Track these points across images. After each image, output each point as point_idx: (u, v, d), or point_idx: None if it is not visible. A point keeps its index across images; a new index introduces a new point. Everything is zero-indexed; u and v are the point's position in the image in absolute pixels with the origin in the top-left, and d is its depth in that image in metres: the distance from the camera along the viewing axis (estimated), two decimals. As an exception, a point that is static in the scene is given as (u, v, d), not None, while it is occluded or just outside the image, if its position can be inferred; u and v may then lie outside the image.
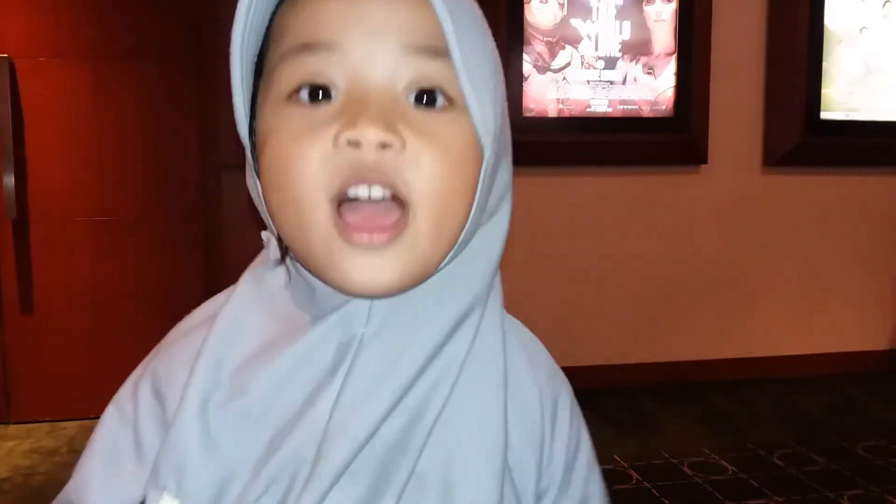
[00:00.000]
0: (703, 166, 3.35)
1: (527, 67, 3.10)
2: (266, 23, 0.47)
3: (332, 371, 0.45)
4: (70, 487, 0.52)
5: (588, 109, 3.18)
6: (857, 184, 3.51)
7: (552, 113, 3.16)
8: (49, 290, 2.91)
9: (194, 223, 2.98)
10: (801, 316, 3.50)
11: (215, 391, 0.46)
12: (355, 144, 0.42)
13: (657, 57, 3.23)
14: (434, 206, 0.44)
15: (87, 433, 2.36)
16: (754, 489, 2.36)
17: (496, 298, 0.50)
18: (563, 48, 3.14)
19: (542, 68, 3.13)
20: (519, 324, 0.55)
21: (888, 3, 3.46)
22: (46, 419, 2.90)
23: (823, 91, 3.41)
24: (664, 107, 3.25)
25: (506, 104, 0.50)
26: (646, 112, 3.24)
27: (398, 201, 0.43)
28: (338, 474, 0.43)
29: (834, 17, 3.38)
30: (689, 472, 2.47)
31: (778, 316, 3.47)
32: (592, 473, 0.55)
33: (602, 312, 3.25)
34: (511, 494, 0.48)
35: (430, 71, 0.44)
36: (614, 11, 3.18)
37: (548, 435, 0.51)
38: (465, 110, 0.45)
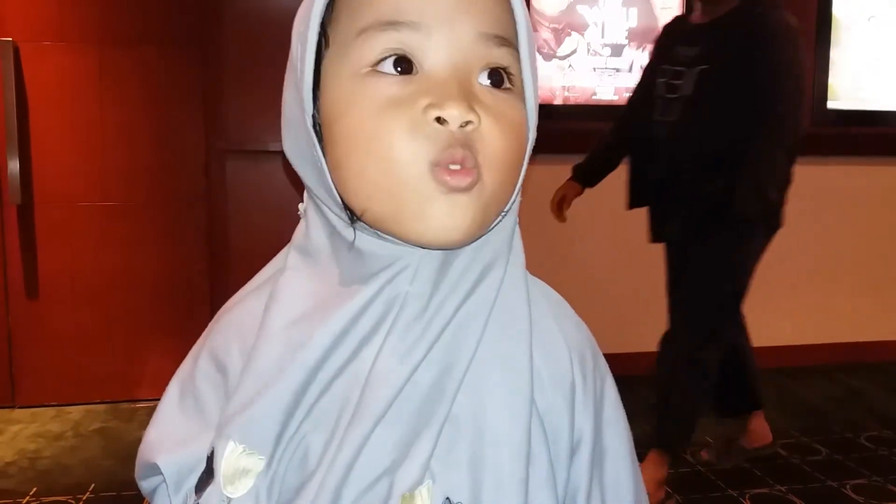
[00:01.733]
0: (709, 155, 3.33)
1: (533, 54, 3.09)
2: None
3: (378, 324, 0.50)
4: (141, 453, 0.57)
5: (594, 97, 3.17)
6: (865, 173, 3.49)
7: (558, 100, 3.14)
8: (54, 274, 2.91)
9: (199, 208, 2.97)
10: (808, 305, 3.49)
11: (277, 350, 0.51)
12: (442, 121, 0.47)
13: (664, 44, 3.21)
14: (498, 171, 0.49)
15: (93, 418, 2.39)
16: (757, 478, 2.37)
17: (517, 257, 0.54)
18: (570, 35, 3.13)
19: (549, 55, 3.11)
20: (544, 284, 0.59)
21: (898, -8, 3.43)
22: (52, 403, 2.91)
23: (831, 80, 3.39)
24: (670, 95, 3.23)
25: None
26: (652, 100, 3.22)
27: (472, 169, 0.48)
28: (380, 415, 0.48)
29: (842, 5, 3.36)
30: (691, 460, 2.47)
31: (784, 305, 3.46)
32: (619, 416, 0.59)
33: (605, 301, 3.25)
34: (540, 436, 0.52)
35: (498, 56, 0.50)
36: (621, -2, 3.16)
37: (578, 381, 0.55)
38: (521, 94, 0.51)
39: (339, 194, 0.50)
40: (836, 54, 3.38)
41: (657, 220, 2.24)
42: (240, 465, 0.49)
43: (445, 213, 0.47)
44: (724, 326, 2.25)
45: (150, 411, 2.73)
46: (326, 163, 0.50)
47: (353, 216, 0.51)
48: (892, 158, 3.51)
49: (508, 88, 0.51)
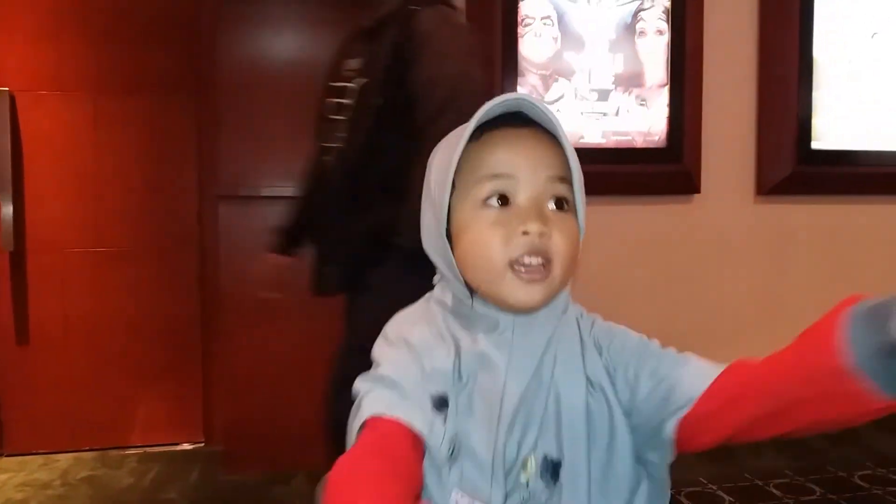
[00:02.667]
0: (697, 196, 3.37)
1: (521, 99, 3.14)
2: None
3: (495, 359, 0.79)
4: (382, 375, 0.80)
5: (581, 140, 3.22)
6: (849, 212, 3.54)
7: (546, 144, 3.19)
8: (45, 321, 2.91)
9: (191, 254, 2.99)
10: (797, 344, 3.50)
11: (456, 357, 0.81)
12: (527, 234, 0.76)
13: (650, 89, 3.28)
14: (562, 264, 0.78)
15: (81, 466, 2.35)
16: (752, 519, 2.35)
17: (572, 308, 0.85)
18: (557, 81, 3.19)
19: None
20: (593, 316, 0.88)
21: (876, 35, 3.52)
22: (40, 451, 2.88)
23: (814, 121, 3.46)
24: (657, 137, 3.29)
25: None
26: (639, 143, 3.28)
27: (546, 262, 0.77)
28: (504, 418, 0.77)
29: (823, 48, 3.44)
30: (685, 501, 2.45)
31: (772, 344, 3.47)
32: (636, 337, 0.88)
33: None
34: (600, 403, 0.80)
35: (560, 189, 0.79)
36: (607, 45, 3.24)
37: (605, 352, 0.83)
38: (574, 211, 0.81)
39: (462, 277, 0.80)
40: (818, 96, 3.45)
41: (315, 269, 1.79)
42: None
43: (525, 293, 0.77)
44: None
45: (140, 458, 2.71)
46: (455, 258, 0.80)
47: (471, 291, 0.81)
48: (875, 197, 3.57)
49: (566, 210, 0.80)
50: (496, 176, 0.78)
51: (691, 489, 2.53)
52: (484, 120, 0.79)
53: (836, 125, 3.50)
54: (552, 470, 0.77)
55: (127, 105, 2.93)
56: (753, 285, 3.46)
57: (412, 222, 1.52)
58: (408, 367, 0.80)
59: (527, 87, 3.15)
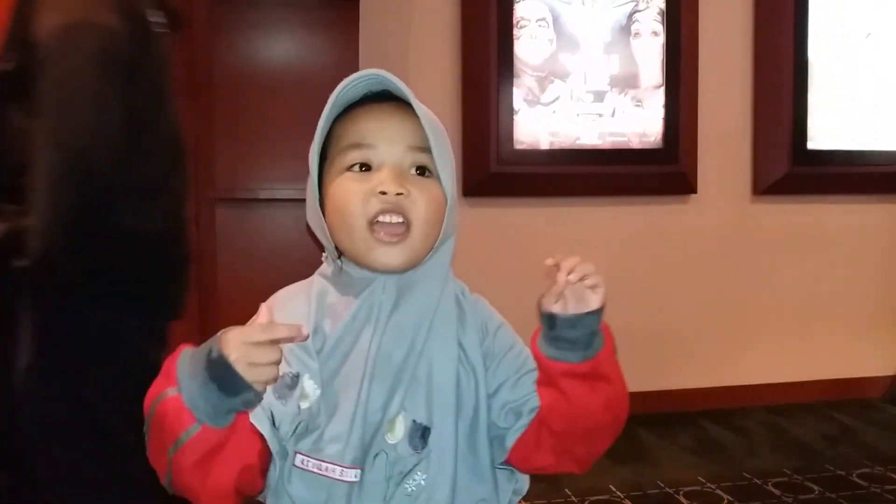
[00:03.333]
0: (693, 196, 3.39)
1: (517, 101, 3.15)
2: (327, 131, 0.86)
3: (367, 319, 0.82)
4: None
5: (577, 141, 3.23)
6: (844, 212, 3.56)
7: (543, 145, 3.20)
8: (42, 325, 2.90)
9: (188, 257, 2.98)
10: (793, 343, 3.51)
11: (315, 336, 0.82)
12: (384, 193, 0.80)
13: (645, 90, 3.29)
14: (422, 225, 0.83)
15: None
16: (750, 518, 2.36)
17: (452, 283, 0.88)
18: (553, 82, 3.20)
19: (533, 102, 3.17)
20: (477, 296, 0.91)
21: (870, 35, 3.53)
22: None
23: (809, 121, 3.47)
24: (653, 138, 3.30)
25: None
26: (635, 144, 3.28)
27: (406, 222, 0.82)
28: (370, 377, 0.79)
29: (818, 49, 3.46)
30: (684, 501, 2.46)
31: (770, 343, 3.48)
32: (518, 346, 0.88)
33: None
34: (469, 378, 0.83)
35: (420, 158, 0.84)
36: (602, 46, 3.25)
37: (489, 340, 0.87)
38: (437, 179, 0.85)
39: (334, 244, 0.85)
40: (812, 97, 3.47)
41: None
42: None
43: (384, 255, 0.82)
44: None
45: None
46: (327, 226, 0.84)
47: (341, 255, 0.86)
48: (870, 196, 3.58)
49: (428, 176, 0.85)
50: (358, 145, 0.83)
51: (690, 488, 2.53)
52: (353, 98, 0.85)
53: (830, 126, 3.51)
54: (421, 435, 0.80)
55: (123, 109, 2.92)
56: (750, 284, 3.47)
57: (40, 237, 1.20)
58: None
59: (523, 89, 3.16)
